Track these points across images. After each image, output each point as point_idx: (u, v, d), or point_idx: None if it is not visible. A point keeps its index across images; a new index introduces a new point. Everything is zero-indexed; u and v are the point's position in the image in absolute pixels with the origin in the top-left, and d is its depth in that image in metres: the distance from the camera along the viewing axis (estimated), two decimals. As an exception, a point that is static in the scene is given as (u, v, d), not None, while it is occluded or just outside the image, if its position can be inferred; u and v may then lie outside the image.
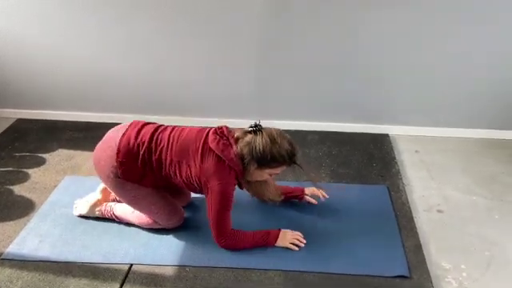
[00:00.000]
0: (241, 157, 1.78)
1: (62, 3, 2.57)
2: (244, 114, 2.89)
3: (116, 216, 2.02)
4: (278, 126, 2.81)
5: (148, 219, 1.96)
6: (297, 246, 1.91)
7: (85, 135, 2.81)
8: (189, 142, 1.82)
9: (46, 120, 2.97)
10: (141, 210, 1.94)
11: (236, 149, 1.78)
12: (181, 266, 1.83)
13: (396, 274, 1.79)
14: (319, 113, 2.86)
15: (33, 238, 1.97)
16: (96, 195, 2.08)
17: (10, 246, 1.92)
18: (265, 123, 2.82)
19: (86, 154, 2.61)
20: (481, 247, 1.97)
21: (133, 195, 1.89)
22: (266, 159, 1.76)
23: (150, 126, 1.91)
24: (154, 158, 1.82)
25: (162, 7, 2.55)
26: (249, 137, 1.79)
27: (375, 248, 1.91)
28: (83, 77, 2.82)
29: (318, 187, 2.10)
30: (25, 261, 1.85)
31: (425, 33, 2.53)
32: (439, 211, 2.20)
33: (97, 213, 2.05)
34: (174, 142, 1.82)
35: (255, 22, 2.57)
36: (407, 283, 1.76)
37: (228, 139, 1.81)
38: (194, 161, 1.79)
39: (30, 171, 2.44)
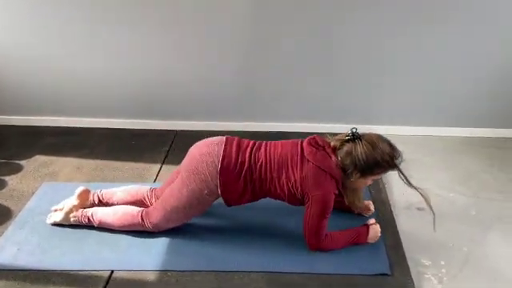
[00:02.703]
0: (342, 167, 1.77)
1: (38, 5, 2.53)
2: (229, 116, 2.89)
3: (94, 220, 1.98)
4: (263, 128, 2.89)
5: (133, 221, 1.93)
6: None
7: (63, 141, 2.77)
8: (286, 157, 1.81)
9: (22, 126, 2.91)
10: (170, 214, 1.89)
11: (336, 159, 1.78)
12: (162, 271, 1.82)
13: (377, 272, 1.82)
14: (304, 114, 2.87)
15: (10, 247, 1.93)
16: (72, 201, 2.04)
17: (-13, 256, 1.88)
18: (250, 125, 2.88)
19: (65, 160, 2.57)
20: (459, 243, 2.01)
21: (196, 209, 1.89)
22: (370, 167, 1.76)
23: (245, 142, 1.89)
24: (254, 177, 1.81)
25: (145, 8, 2.53)
26: (348, 146, 1.77)
27: (357, 247, 1.93)
28: (61, 81, 2.78)
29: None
30: (2, 270, 1.81)
31: (407, 34, 2.57)
32: (419, 209, 2.23)
33: (72, 220, 2.01)
34: (272, 159, 1.82)
35: (240, 23, 2.57)
36: (388, 280, 1.79)
37: (324, 149, 1.81)
38: (294, 174, 1.79)
39: (6, 178, 2.39)
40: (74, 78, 2.77)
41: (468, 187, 2.40)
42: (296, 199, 1.85)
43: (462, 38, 2.57)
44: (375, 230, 1.96)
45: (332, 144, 1.82)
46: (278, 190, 1.83)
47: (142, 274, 1.81)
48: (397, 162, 1.80)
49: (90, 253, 1.90)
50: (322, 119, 2.88)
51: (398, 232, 2.05)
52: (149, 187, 2.09)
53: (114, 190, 2.11)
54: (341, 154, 1.78)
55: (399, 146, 1.83)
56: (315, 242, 1.86)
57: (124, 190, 2.10)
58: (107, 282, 1.77)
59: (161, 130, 2.91)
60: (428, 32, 2.56)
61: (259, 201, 1.94)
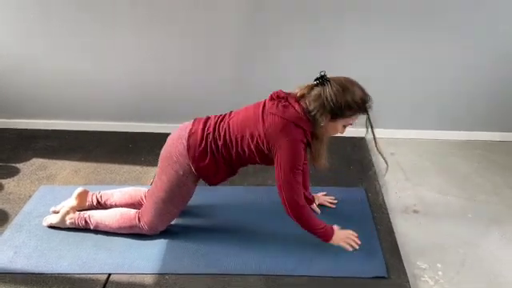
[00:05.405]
0: (309, 112, 1.71)
1: (32, 7, 2.53)
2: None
3: (92, 222, 1.98)
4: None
5: (131, 222, 1.94)
6: (351, 245, 1.90)
7: (60, 144, 2.77)
8: (249, 116, 1.80)
9: (19, 129, 2.91)
10: (160, 207, 1.90)
11: (302, 106, 1.72)
12: (160, 274, 1.82)
13: (374, 275, 1.82)
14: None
15: (7, 250, 1.92)
16: (71, 201, 2.04)
17: (-16, 259, 1.87)
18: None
19: (62, 162, 2.57)
20: (455, 246, 2.02)
21: (179, 194, 1.90)
22: (340, 108, 1.69)
23: (213, 117, 1.90)
24: (220, 144, 1.80)
25: (136, 10, 2.53)
26: (317, 90, 1.72)
27: (354, 250, 1.93)
28: (57, 84, 2.78)
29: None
30: (0, 273, 1.81)
31: (401, 38, 2.58)
32: (415, 211, 2.24)
33: (68, 222, 2.00)
34: (235, 122, 1.81)
35: (232, 22, 2.58)
36: (385, 283, 1.79)
37: (287, 99, 1.75)
38: (257, 129, 1.75)
39: (3, 182, 2.39)
40: (70, 81, 2.77)
41: (464, 190, 2.41)
42: (267, 156, 1.79)
43: (457, 41, 2.59)
44: (337, 232, 1.89)
45: (299, 93, 1.76)
46: (247, 151, 1.80)
47: (140, 277, 1.81)
48: (367, 105, 1.75)
49: (87, 256, 1.89)
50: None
51: (394, 234, 2.05)
52: (146, 189, 2.09)
53: (113, 191, 2.12)
54: (309, 98, 1.73)
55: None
56: (291, 200, 1.76)
57: (122, 193, 2.10)
58: (104, 286, 1.77)
59: (158, 132, 2.91)
60: (422, 36, 2.57)
61: (256, 204, 1.94)
